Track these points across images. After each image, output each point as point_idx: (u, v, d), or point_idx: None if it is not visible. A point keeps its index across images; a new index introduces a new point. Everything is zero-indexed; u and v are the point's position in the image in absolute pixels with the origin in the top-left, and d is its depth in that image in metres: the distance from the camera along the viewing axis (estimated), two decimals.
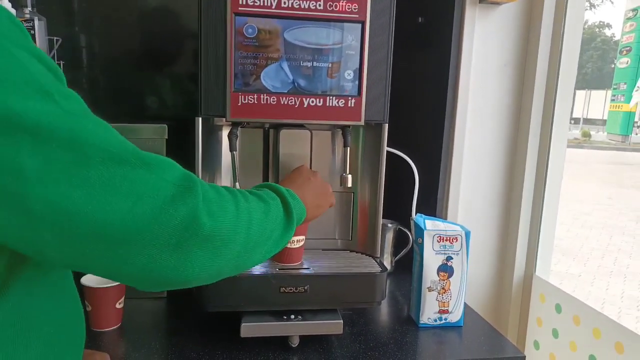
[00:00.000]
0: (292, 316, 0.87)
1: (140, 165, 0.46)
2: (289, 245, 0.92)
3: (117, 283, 0.91)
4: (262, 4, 0.83)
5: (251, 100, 0.86)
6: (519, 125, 1.23)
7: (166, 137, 1.01)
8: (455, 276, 0.98)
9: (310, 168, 0.94)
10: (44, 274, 0.51)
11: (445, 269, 0.97)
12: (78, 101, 0.46)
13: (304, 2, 0.84)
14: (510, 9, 1.18)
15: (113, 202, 0.43)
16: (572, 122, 19.32)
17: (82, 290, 0.88)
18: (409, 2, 1.30)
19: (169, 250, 0.47)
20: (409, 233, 1.21)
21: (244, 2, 0.83)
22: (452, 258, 0.97)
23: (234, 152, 0.90)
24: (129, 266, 0.46)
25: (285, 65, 0.86)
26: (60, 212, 0.41)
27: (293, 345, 0.87)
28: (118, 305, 0.92)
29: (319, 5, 0.85)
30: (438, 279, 0.97)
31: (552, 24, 1.17)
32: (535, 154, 1.21)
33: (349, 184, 0.94)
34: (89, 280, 0.90)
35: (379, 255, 0.99)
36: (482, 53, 1.18)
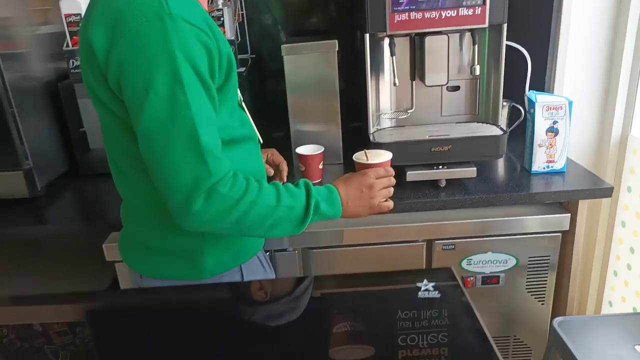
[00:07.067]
0: (440, 166, 1.28)
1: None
2: None
3: (321, 151, 1.36)
4: None
5: (404, 18, 1.21)
6: (621, 5, 1.43)
7: (337, 50, 1.40)
8: (560, 135, 1.31)
9: (449, 75, 1.29)
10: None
11: (552, 130, 1.31)
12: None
13: None
14: None
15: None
16: None
17: (299, 157, 1.36)
18: None
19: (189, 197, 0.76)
20: (521, 108, 1.53)
21: None
22: (557, 122, 1.30)
23: (393, 57, 1.27)
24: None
25: None
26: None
27: (441, 186, 1.29)
28: (320, 167, 1.38)
29: None
30: (546, 137, 1.31)
31: None
32: (634, 30, 1.43)
33: (477, 73, 1.28)
34: (303, 150, 1.37)
35: (499, 124, 1.34)
36: None
